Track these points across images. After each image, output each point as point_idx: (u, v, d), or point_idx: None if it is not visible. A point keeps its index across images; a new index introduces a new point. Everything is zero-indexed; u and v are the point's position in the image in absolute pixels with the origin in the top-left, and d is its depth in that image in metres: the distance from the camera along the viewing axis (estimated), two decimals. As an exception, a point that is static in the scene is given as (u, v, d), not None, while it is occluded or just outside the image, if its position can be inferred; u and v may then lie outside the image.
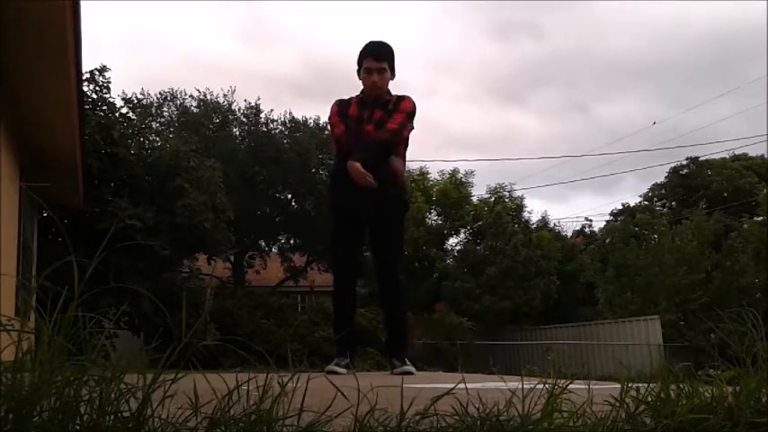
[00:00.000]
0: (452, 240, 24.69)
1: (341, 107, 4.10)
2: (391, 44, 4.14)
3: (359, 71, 4.10)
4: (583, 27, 42.37)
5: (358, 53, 4.11)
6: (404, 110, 4.05)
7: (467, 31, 44.04)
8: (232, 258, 18.85)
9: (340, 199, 4.09)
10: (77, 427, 1.06)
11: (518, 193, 24.56)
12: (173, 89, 19.20)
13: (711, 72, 46.38)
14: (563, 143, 48.95)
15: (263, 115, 19.10)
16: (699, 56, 47.10)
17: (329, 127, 4.22)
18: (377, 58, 4.05)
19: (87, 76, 11.72)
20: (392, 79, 4.12)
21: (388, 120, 3.99)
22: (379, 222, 4.06)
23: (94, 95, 12.16)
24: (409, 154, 4.26)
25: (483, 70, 45.05)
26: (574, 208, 65.29)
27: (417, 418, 1.24)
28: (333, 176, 4.35)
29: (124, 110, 13.34)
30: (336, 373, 3.55)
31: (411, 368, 3.87)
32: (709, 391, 1.40)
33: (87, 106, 10.98)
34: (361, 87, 4.12)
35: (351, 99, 4.13)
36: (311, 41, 42.53)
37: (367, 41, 4.12)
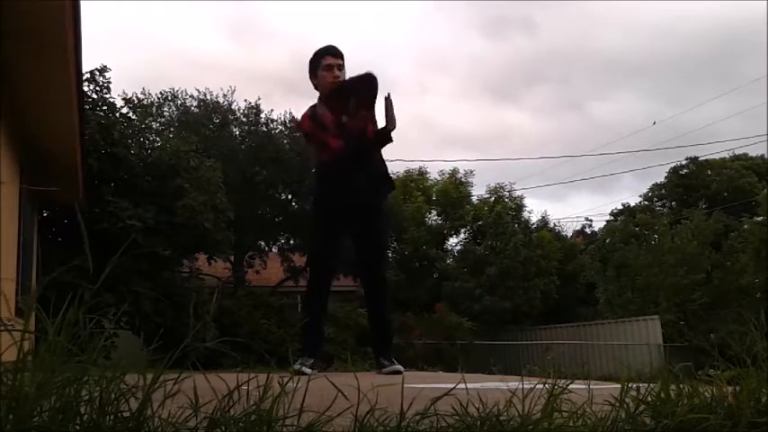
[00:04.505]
0: (452, 240, 24.70)
1: (314, 114, 4.13)
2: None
3: (313, 74, 4.14)
4: (576, 23, 42.21)
5: (311, 60, 4.16)
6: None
7: (458, 28, 43.81)
8: (232, 258, 18.84)
9: (327, 197, 4.12)
10: (77, 427, 1.06)
11: (518, 193, 24.58)
12: (173, 89, 19.20)
13: (710, 70, 46.30)
14: (558, 141, 48.79)
15: (263, 115, 19.09)
16: (697, 53, 47.00)
17: (307, 135, 4.25)
18: (335, 55, 4.13)
19: (87, 76, 11.73)
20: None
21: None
22: (364, 222, 4.08)
23: (94, 95, 12.16)
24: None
25: (475, 67, 44.88)
26: (572, 208, 65.27)
27: (417, 418, 1.24)
28: (320, 174, 4.34)
29: (124, 110, 13.35)
30: (304, 373, 3.54)
31: (399, 367, 3.91)
32: (709, 391, 1.40)
33: (87, 106, 10.97)
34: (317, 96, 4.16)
35: (315, 107, 4.15)
36: (300, 38, 42.46)
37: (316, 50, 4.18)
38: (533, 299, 21.46)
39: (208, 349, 1.28)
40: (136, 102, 14.62)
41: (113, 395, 1.11)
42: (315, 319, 4.07)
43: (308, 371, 3.67)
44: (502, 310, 20.91)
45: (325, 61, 4.08)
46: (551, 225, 26.33)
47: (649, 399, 1.37)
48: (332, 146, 4.03)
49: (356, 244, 4.18)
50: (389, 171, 4.32)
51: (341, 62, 4.11)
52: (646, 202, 30.38)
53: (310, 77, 4.17)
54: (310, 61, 4.16)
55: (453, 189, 24.00)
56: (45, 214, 11.24)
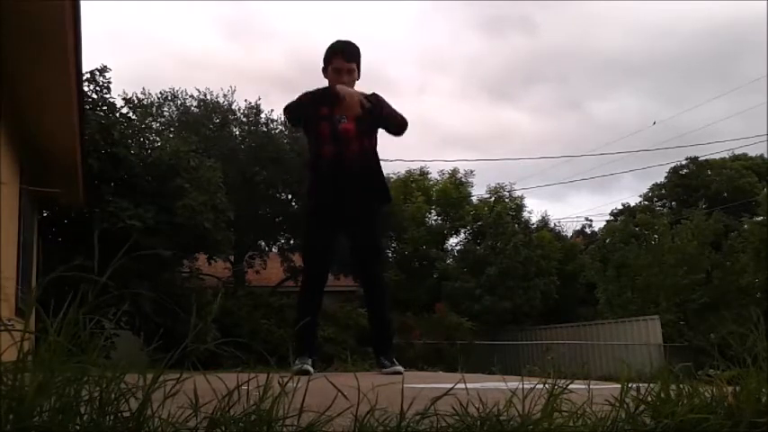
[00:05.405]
0: (452, 240, 24.70)
1: (310, 99, 4.03)
2: (358, 44, 4.08)
3: (325, 69, 4.04)
4: (576, 23, 42.14)
5: (325, 52, 4.04)
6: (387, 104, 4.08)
7: (457, 27, 43.78)
8: (232, 258, 18.84)
9: (321, 198, 4.09)
10: (77, 427, 1.06)
11: (518, 193, 24.59)
12: (173, 89, 19.22)
13: (710, 70, 46.30)
14: (558, 141, 48.74)
15: (263, 115, 19.11)
16: (697, 53, 47.01)
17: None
18: (347, 59, 3.99)
19: (87, 76, 11.73)
20: (358, 79, 4.09)
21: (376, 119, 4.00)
22: (358, 221, 4.07)
23: (94, 95, 12.16)
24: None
25: (474, 67, 44.82)
26: (572, 207, 65.27)
27: (417, 418, 1.24)
28: (314, 175, 4.25)
29: (124, 110, 13.35)
30: (308, 372, 3.55)
31: (400, 368, 3.89)
32: (709, 391, 1.40)
33: (87, 106, 10.97)
34: (326, 85, 4.07)
35: (314, 94, 4.04)
36: (299, 38, 42.46)
37: (334, 41, 4.06)
38: (533, 299, 21.45)
39: (208, 349, 1.28)
40: (136, 102, 14.62)
41: (113, 395, 1.11)
42: (312, 319, 4.06)
43: (311, 369, 3.68)
44: (502, 310, 20.90)
45: (334, 63, 3.98)
46: (551, 225, 26.37)
47: (649, 399, 1.37)
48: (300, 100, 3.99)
49: (352, 244, 4.18)
50: (387, 180, 4.28)
51: (353, 66, 3.99)
52: (646, 202, 30.39)
53: (322, 69, 4.08)
54: (325, 54, 4.04)
55: (453, 189, 23.99)
56: (45, 214, 11.24)
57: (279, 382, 1.20)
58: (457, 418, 1.25)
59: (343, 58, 3.98)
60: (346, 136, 3.98)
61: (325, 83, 4.12)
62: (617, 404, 1.33)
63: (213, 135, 18.33)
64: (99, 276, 1.21)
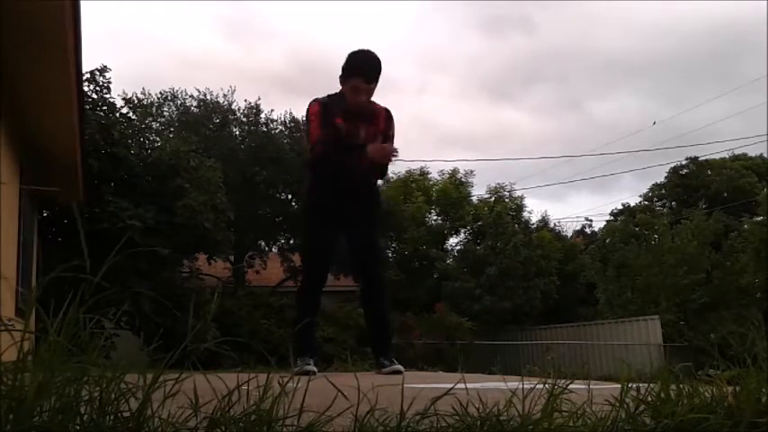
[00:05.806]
0: (452, 240, 24.70)
1: (324, 109, 3.97)
2: (378, 55, 3.97)
3: (343, 79, 3.93)
4: (576, 23, 42.10)
5: (347, 61, 3.90)
6: (393, 135, 4.10)
7: (456, 27, 43.78)
8: (232, 258, 18.84)
9: (320, 198, 4.11)
10: (77, 427, 1.06)
11: (518, 193, 24.59)
12: (173, 89, 19.23)
13: (710, 70, 46.29)
14: (558, 141, 48.76)
15: (263, 115, 19.12)
16: (696, 53, 47.00)
17: (309, 124, 4.05)
18: (367, 80, 3.91)
19: (87, 76, 11.73)
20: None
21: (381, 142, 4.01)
22: (356, 222, 4.08)
23: (94, 95, 12.16)
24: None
25: (474, 67, 44.80)
26: (572, 208, 65.30)
27: (417, 418, 1.24)
28: (313, 176, 4.25)
29: (124, 110, 13.35)
30: (312, 372, 3.56)
31: (399, 367, 3.89)
32: (710, 391, 1.40)
33: (87, 106, 10.97)
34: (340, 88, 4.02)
35: (331, 102, 3.99)
36: (298, 38, 42.48)
37: (358, 52, 3.94)
38: (533, 299, 21.45)
39: (208, 349, 1.28)
40: (136, 102, 14.62)
41: (113, 395, 1.11)
42: (312, 319, 4.08)
43: (313, 369, 3.70)
44: (502, 310, 20.90)
45: (354, 82, 3.87)
46: (551, 225, 26.37)
47: (649, 399, 1.37)
48: (319, 132, 3.96)
49: (351, 244, 4.19)
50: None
51: (372, 86, 3.92)
52: (646, 202, 30.39)
53: (340, 77, 3.97)
54: (345, 65, 3.91)
55: (453, 189, 23.99)
56: (45, 214, 11.24)
57: (279, 382, 1.20)
58: (457, 418, 1.25)
59: (364, 79, 3.89)
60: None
61: (335, 85, 4.07)
62: (617, 404, 1.33)
63: (213, 135, 18.33)
64: (97, 277, 1.21)
